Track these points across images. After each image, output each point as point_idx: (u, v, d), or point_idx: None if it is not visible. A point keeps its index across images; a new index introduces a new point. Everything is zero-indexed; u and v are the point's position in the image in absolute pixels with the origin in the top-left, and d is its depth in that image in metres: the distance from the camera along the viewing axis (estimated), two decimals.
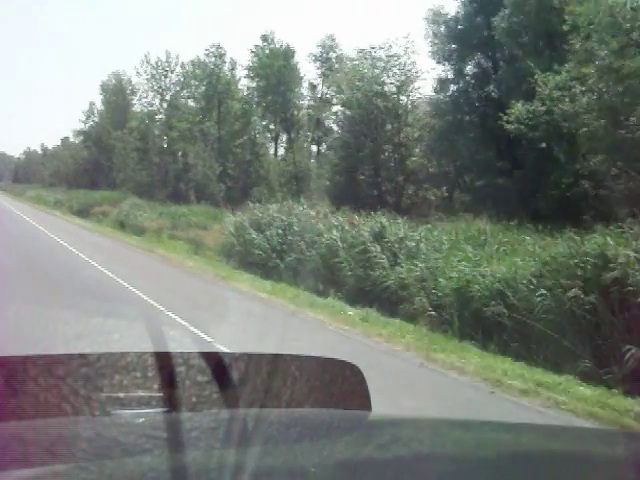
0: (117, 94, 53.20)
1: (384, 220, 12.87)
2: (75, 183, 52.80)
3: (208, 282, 12.19)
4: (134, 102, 50.19)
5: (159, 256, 16.53)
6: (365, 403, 1.60)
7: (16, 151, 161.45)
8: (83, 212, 35.91)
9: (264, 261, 15.36)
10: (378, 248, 11.94)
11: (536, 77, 18.04)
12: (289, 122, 42.31)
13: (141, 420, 1.35)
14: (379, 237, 12.29)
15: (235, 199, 35.59)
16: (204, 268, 14.31)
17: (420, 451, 1.32)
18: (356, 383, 1.59)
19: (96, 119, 55.94)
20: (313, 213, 15.43)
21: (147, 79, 43.61)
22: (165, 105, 44.15)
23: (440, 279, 10.51)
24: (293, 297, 10.98)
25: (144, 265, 15.05)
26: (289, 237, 14.99)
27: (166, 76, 43.86)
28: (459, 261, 10.70)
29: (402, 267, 11.37)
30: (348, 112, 26.69)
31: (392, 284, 11.23)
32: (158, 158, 43.18)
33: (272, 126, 44.06)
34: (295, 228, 14.97)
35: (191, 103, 43.68)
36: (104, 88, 53.91)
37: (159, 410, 1.36)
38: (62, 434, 1.25)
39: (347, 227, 13.60)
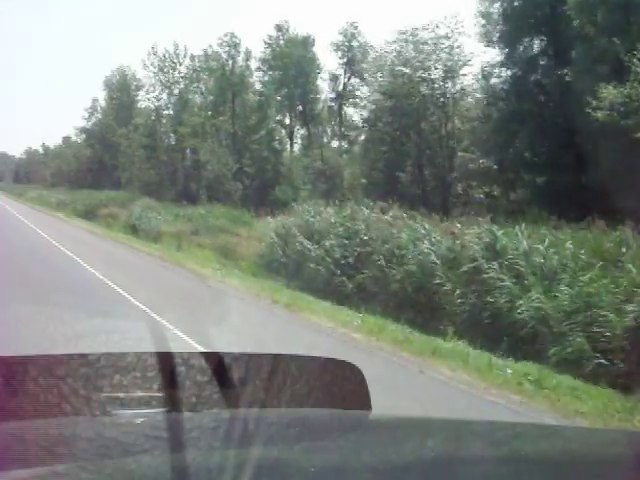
0: (121, 90, 51.23)
1: (495, 229, 9.93)
2: (77, 183, 50.62)
3: (275, 315, 9.19)
4: (139, 98, 48.05)
5: (191, 272, 13.56)
6: (365, 403, 1.56)
7: (17, 151, 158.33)
8: (89, 214, 33.20)
9: (323, 279, 12.43)
10: (496, 266, 9.04)
11: (634, 53, 15.27)
12: (308, 116, 39.45)
13: (141, 420, 1.34)
14: (493, 252, 9.38)
15: (252, 198, 32.85)
16: (255, 290, 11.29)
17: (420, 451, 1.29)
18: (356, 383, 1.55)
19: (99, 116, 53.66)
20: (386, 217, 12.46)
21: (154, 72, 40.91)
22: (173, 100, 41.52)
23: (604, 312, 7.63)
24: (402, 340, 7.99)
25: (180, 288, 11.89)
26: (356, 249, 12.06)
27: (174, 69, 41.26)
28: (626, 286, 7.83)
29: (536, 293, 8.48)
30: (388, 102, 23.78)
31: (526, 317, 8.34)
32: (166, 156, 40.58)
33: (287, 120, 41.27)
34: (364, 237, 12.02)
35: (200, 97, 41.01)
36: (108, 84, 51.64)
37: (159, 410, 1.33)
38: (62, 434, 1.25)
39: (438, 237, 10.70)
